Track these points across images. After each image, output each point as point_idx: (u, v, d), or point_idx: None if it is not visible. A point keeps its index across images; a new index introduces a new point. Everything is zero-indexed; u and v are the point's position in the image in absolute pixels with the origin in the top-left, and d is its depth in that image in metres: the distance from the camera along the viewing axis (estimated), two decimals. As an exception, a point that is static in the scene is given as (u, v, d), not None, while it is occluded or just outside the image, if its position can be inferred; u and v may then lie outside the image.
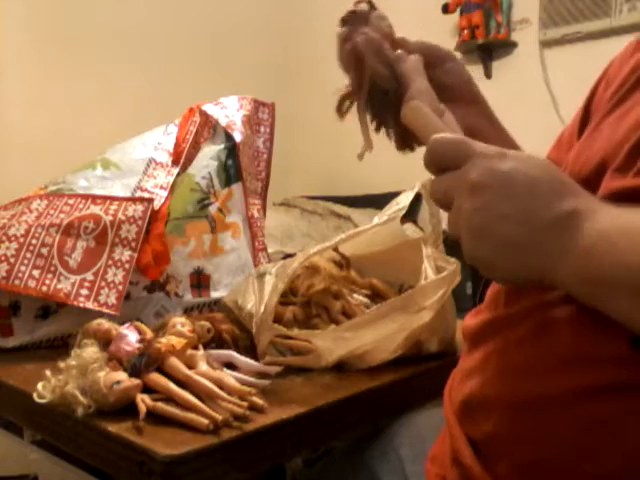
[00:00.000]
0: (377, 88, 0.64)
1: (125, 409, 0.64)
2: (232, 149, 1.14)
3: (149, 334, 0.74)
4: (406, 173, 2.22)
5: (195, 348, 0.75)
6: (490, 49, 2.35)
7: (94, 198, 1.01)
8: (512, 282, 0.47)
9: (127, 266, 0.94)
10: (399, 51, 0.66)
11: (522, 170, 0.44)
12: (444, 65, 0.70)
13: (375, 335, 0.80)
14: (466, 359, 0.60)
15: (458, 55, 2.43)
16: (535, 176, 0.44)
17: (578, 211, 0.43)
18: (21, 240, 0.91)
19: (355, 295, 0.91)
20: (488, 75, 2.38)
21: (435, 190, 0.49)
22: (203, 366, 0.70)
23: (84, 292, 0.90)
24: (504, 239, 0.44)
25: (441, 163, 0.48)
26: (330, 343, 0.79)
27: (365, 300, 0.91)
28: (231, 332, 0.82)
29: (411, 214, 0.89)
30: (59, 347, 0.88)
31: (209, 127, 1.18)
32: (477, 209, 0.44)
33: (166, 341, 0.70)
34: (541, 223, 0.43)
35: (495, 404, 0.52)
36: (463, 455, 0.54)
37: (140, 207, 0.99)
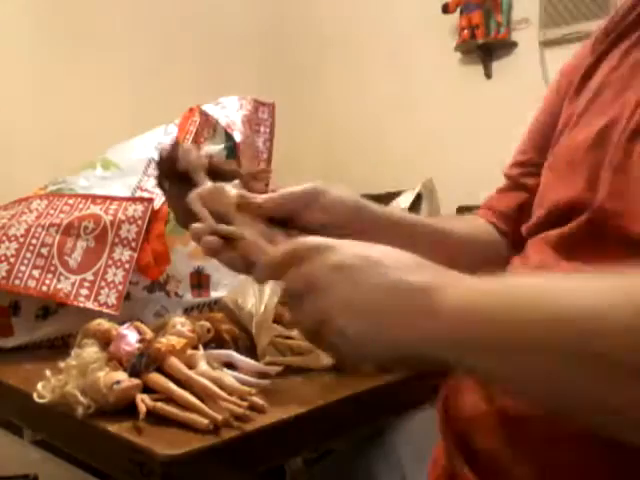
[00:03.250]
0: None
1: (125, 409, 0.64)
2: (232, 149, 1.14)
3: (149, 334, 0.74)
4: (406, 173, 2.23)
5: (195, 348, 0.75)
6: (490, 49, 2.35)
7: (94, 198, 1.01)
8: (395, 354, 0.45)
9: (127, 266, 0.94)
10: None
11: (376, 254, 0.45)
12: (317, 203, 0.61)
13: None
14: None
15: (458, 55, 2.44)
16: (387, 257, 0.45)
17: (437, 282, 0.42)
18: (21, 240, 0.91)
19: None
20: (488, 75, 2.38)
21: (294, 280, 0.47)
22: (203, 366, 0.70)
23: (84, 292, 0.90)
24: (379, 311, 0.43)
25: (280, 273, 0.48)
26: None
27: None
28: (231, 332, 0.82)
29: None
30: (59, 347, 0.88)
31: (209, 127, 1.18)
32: (352, 290, 0.44)
33: (166, 341, 0.70)
34: (405, 294, 0.43)
35: (486, 422, 0.52)
36: (456, 466, 0.55)
37: (140, 207, 0.99)
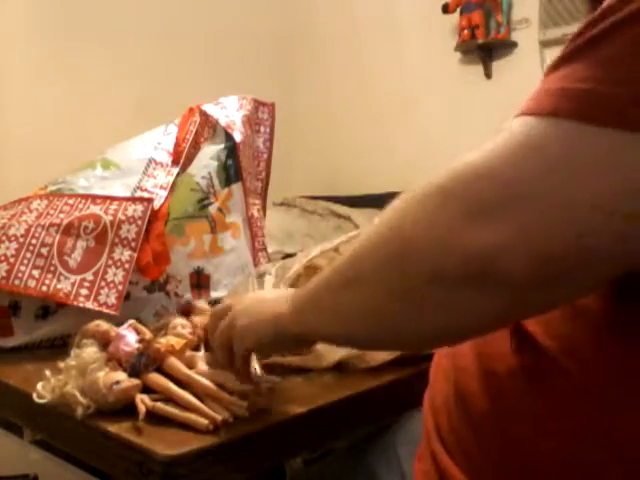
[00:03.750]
0: None
1: (125, 409, 0.64)
2: (232, 149, 1.14)
3: (148, 334, 0.74)
4: (406, 173, 2.23)
5: (196, 349, 0.75)
6: (490, 49, 2.35)
7: (94, 198, 1.01)
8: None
9: (127, 266, 0.94)
10: None
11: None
12: None
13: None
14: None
15: (458, 55, 2.44)
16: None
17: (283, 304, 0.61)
18: (21, 240, 0.91)
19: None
20: (488, 75, 2.38)
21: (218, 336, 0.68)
22: (203, 366, 0.70)
23: (84, 292, 0.90)
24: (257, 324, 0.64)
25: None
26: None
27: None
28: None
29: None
30: (59, 347, 0.88)
31: (209, 127, 1.18)
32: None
33: (165, 341, 0.70)
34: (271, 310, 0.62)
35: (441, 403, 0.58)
36: (436, 451, 0.57)
37: (140, 207, 0.99)
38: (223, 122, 1.16)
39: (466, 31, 2.35)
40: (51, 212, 0.97)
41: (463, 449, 0.54)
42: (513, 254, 0.41)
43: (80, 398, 0.64)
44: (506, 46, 2.33)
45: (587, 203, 0.40)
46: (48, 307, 0.94)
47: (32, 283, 0.89)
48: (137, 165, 1.10)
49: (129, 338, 0.72)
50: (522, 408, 0.50)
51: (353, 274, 0.50)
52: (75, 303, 0.89)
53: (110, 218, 0.96)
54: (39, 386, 0.68)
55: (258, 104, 1.26)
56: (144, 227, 0.97)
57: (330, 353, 0.80)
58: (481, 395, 0.53)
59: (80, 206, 0.99)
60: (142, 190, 1.05)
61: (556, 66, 0.44)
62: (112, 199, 1.00)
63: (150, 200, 1.01)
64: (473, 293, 0.43)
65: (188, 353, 0.71)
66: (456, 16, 2.37)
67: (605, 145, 0.40)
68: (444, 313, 0.45)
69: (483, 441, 0.53)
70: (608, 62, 0.41)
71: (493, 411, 0.52)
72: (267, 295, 0.69)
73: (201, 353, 0.74)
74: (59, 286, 0.89)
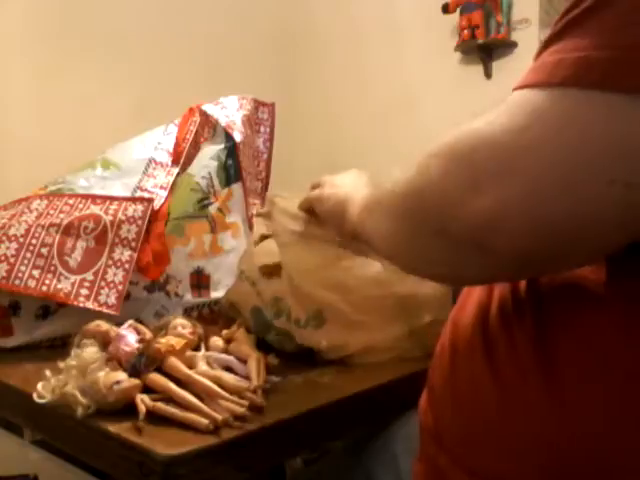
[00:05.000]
0: None
1: (125, 409, 0.64)
2: (232, 149, 1.15)
3: (148, 334, 0.74)
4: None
5: (196, 349, 0.75)
6: (490, 49, 2.35)
7: (94, 198, 1.00)
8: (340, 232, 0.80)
9: (127, 266, 0.94)
10: None
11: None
12: None
13: (379, 332, 0.82)
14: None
15: (458, 55, 2.44)
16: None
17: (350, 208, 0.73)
18: (21, 240, 0.91)
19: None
20: (488, 75, 2.38)
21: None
22: (203, 366, 0.70)
23: (84, 292, 0.90)
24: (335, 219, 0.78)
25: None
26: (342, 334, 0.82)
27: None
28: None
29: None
30: (59, 347, 0.88)
31: (209, 127, 1.18)
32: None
33: (165, 341, 0.70)
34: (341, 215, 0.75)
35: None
36: (428, 444, 0.57)
37: (140, 207, 0.99)
38: (223, 122, 1.17)
39: (466, 31, 2.35)
40: (51, 212, 0.97)
41: (466, 442, 0.53)
42: (514, 223, 0.42)
43: (80, 398, 0.64)
44: (506, 46, 2.33)
45: (587, 171, 0.40)
46: (48, 307, 0.94)
47: (32, 283, 0.88)
48: (137, 165, 1.10)
49: (129, 338, 0.72)
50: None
51: (384, 211, 0.57)
52: (75, 303, 0.89)
53: (110, 218, 0.96)
54: (39, 386, 0.68)
55: (258, 104, 1.26)
56: (144, 227, 0.97)
57: (340, 350, 0.81)
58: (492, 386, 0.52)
59: (80, 206, 0.99)
60: (142, 190, 1.05)
61: (549, 41, 0.45)
62: (112, 199, 1.00)
63: (150, 200, 1.01)
64: (473, 253, 0.45)
65: (188, 353, 0.71)
66: (456, 16, 2.36)
67: (603, 109, 0.40)
68: (444, 263, 0.49)
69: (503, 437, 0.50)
70: (603, 30, 0.42)
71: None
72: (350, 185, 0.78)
73: (201, 353, 0.74)
74: (59, 286, 0.89)
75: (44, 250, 0.91)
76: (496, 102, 0.48)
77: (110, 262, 0.93)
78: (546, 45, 0.45)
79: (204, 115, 1.18)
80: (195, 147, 1.15)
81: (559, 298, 0.50)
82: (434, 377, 0.61)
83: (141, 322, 0.80)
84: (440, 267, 0.51)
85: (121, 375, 0.66)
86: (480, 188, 0.43)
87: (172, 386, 0.65)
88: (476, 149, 0.44)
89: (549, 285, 0.51)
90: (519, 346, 0.50)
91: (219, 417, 0.60)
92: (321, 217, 0.83)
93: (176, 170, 1.10)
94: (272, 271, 0.90)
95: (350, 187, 0.77)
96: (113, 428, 0.61)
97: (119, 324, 0.77)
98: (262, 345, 0.81)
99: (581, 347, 0.47)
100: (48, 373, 0.69)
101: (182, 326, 0.76)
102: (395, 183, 0.55)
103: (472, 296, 0.59)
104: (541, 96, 0.43)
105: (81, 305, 0.89)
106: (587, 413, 0.45)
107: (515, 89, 0.46)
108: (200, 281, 1.04)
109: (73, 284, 0.90)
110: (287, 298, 0.83)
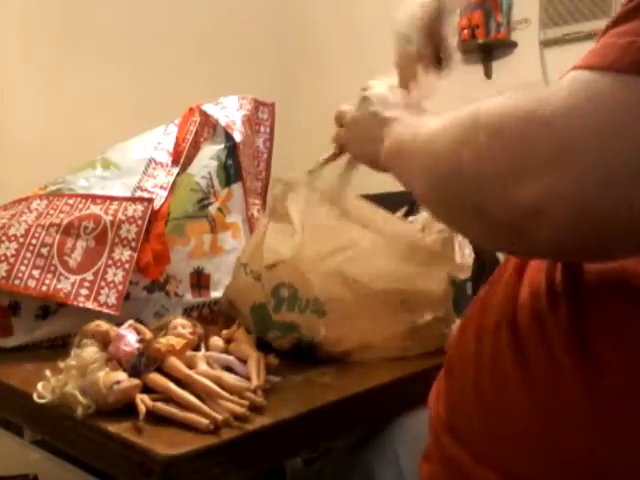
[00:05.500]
0: None
1: (125, 409, 0.64)
2: (232, 149, 1.15)
3: (148, 334, 0.74)
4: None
5: (196, 349, 0.75)
6: (490, 49, 2.35)
7: (94, 198, 1.00)
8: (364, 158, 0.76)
9: (127, 266, 0.94)
10: None
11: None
12: None
13: (379, 329, 0.82)
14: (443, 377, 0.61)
15: (458, 55, 2.43)
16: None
17: (389, 118, 0.68)
18: (21, 240, 0.91)
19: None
20: (488, 75, 2.38)
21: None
22: (203, 366, 0.70)
23: (84, 292, 0.90)
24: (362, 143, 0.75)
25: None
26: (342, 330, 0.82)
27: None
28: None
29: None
30: (59, 347, 0.88)
31: (209, 127, 1.18)
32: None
33: (165, 341, 0.70)
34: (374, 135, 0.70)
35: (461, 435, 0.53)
36: (440, 439, 0.55)
37: (140, 207, 0.99)
38: (223, 122, 1.17)
39: (466, 31, 2.35)
40: (51, 212, 0.97)
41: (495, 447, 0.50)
42: (561, 212, 0.39)
43: (80, 398, 0.64)
44: (506, 46, 2.33)
45: (637, 166, 0.37)
46: (48, 307, 0.94)
47: (32, 283, 0.88)
48: (137, 165, 1.10)
49: (129, 338, 0.72)
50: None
51: (417, 163, 0.54)
52: (75, 303, 0.89)
53: (110, 218, 0.96)
54: (39, 386, 0.67)
55: (258, 104, 1.26)
56: (144, 227, 0.97)
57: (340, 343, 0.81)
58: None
59: (80, 206, 0.99)
60: (142, 190, 1.05)
61: (617, 21, 0.42)
62: (112, 199, 1.00)
63: (150, 200, 1.01)
64: (509, 237, 0.44)
65: (188, 353, 0.71)
66: (456, 16, 2.37)
67: None
68: (475, 235, 0.50)
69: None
70: None
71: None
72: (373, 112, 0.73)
73: (201, 353, 0.74)
74: (59, 286, 0.89)
75: (44, 250, 0.91)
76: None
77: (110, 262, 0.93)
78: (613, 25, 0.42)
79: (204, 115, 1.18)
80: (195, 147, 1.15)
81: (599, 290, 0.47)
82: (454, 360, 0.58)
83: (141, 322, 0.80)
84: (471, 235, 0.51)
85: (121, 375, 0.66)
86: (530, 171, 0.40)
87: (172, 386, 0.65)
88: (529, 129, 0.41)
89: (588, 274, 0.48)
90: (552, 343, 0.47)
91: (219, 417, 0.60)
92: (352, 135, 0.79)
93: (176, 170, 1.10)
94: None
95: (394, 111, 0.70)
96: (113, 428, 0.61)
97: (119, 324, 0.77)
98: (262, 345, 0.81)
99: (625, 349, 0.44)
100: (48, 373, 0.68)
101: (182, 326, 0.76)
102: (431, 133, 0.51)
103: (502, 277, 0.56)
104: (600, 80, 0.40)
105: (81, 305, 0.89)
106: (634, 428, 0.43)
107: (574, 69, 0.42)
108: (200, 281, 1.04)
109: (73, 284, 0.90)
110: (289, 281, 0.83)
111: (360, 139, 0.76)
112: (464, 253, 0.87)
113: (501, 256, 0.62)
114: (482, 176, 0.43)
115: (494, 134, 0.43)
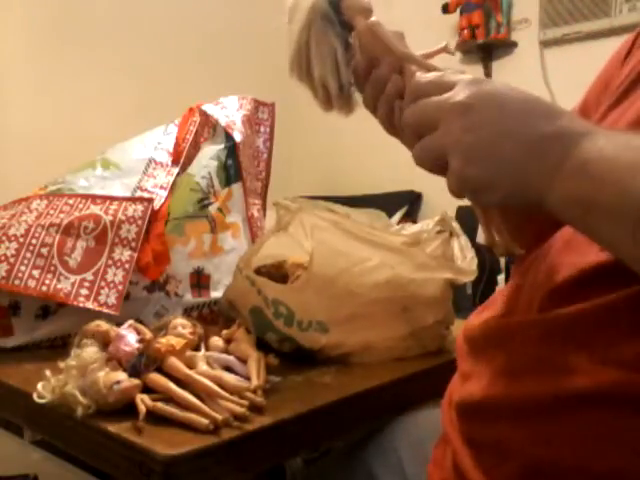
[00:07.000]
0: None
1: (125, 409, 0.64)
2: (232, 149, 1.14)
3: (148, 334, 0.74)
4: (406, 173, 2.23)
5: (196, 349, 0.75)
6: (490, 49, 2.36)
7: (94, 198, 1.00)
8: (508, 201, 0.45)
9: (127, 266, 0.94)
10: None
11: (511, 92, 0.46)
12: None
13: (380, 332, 0.82)
14: (468, 360, 0.60)
15: (458, 55, 2.44)
16: (525, 98, 0.45)
17: (573, 128, 0.42)
18: (21, 240, 0.91)
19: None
20: (488, 75, 2.38)
21: (415, 113, 0.48)
22: (203, 366, 0.70)
23: (84, 292, 0.90)
24: (501, 156, 0.42)
25: (423, 92, 0.48)
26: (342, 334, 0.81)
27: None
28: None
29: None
30: (59, 347, 0.88)
31: (209, 127, 1.18)
32: (469, 129, 0.43)
33: (165, 341, 0.70)
34: (538, 139, 0.42)
35: (501, 407, 0.51)
36: (462, 461, 0.54)
37: (140, 207, 0.99)
38: (223, 122, 1.17)
39: (466, 31, 2.35)
40: (51, 212, 0.97)
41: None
42: None
43: (80, 398, 0.64)
44: (506, 46, 2.34)
45: None
46: (48, 307, 0.94)
47: (32, 283, 0.88)
48: (137, 165, 1.10)
49: (129, 338, 0.72)
50: None
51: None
52: (75, 303, 0.89)
53: (110, 218, 0.96)
54: (39, 386, 0.68)
55: (258, 104, 1.26)
56: (144, 227, 0.97)
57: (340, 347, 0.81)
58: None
59: (80, 206, 0.99)
60: (142, 190, 1.05)
61: None
62: (112, 199, 1.00)
63: (150, 200, 1.01)
64: None
65: (188, 353, 0.71)
66: (456, 16, 2.37)
67: None
68: None
69: None
70: None
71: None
72: (526, 128, 0.43)
73: (201, 353, 0.74)
74: (59, 286, 0.89)
75: (44, 250, 0.91)
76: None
77: (110, 262, 0.93)
78: None
79: (204, 115, 1.18)
80: (195, 147, 1.15)
81: None
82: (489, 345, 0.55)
83: (141, 322, 0.80)
84: None
85: (121, 375, 0.66)
86: None
87: (172, 386, 0.65)
88: None
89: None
90: None
91: (219, 417, 0.60)
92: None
93: (176, 170, 1.10)
94: (270, 270, 0.90)
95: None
96: (113, 428, 0.61)
97: (119, 324, 0.77)
98: (262, 345, 0.81)
99: None
100: (48, 373, 0.68)
101: (182, 326, 0.76)
102: None
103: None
104: None
105: (81, 305, 0.89)
106: None
107: None
108: (200, 281, 1.04)
109: (73, 284, 0.90)
110: (288, 303, 0.82)
111: (503, 134, 0.43)
112: (466, 256, 0.86)
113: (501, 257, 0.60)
114: None
115: None
